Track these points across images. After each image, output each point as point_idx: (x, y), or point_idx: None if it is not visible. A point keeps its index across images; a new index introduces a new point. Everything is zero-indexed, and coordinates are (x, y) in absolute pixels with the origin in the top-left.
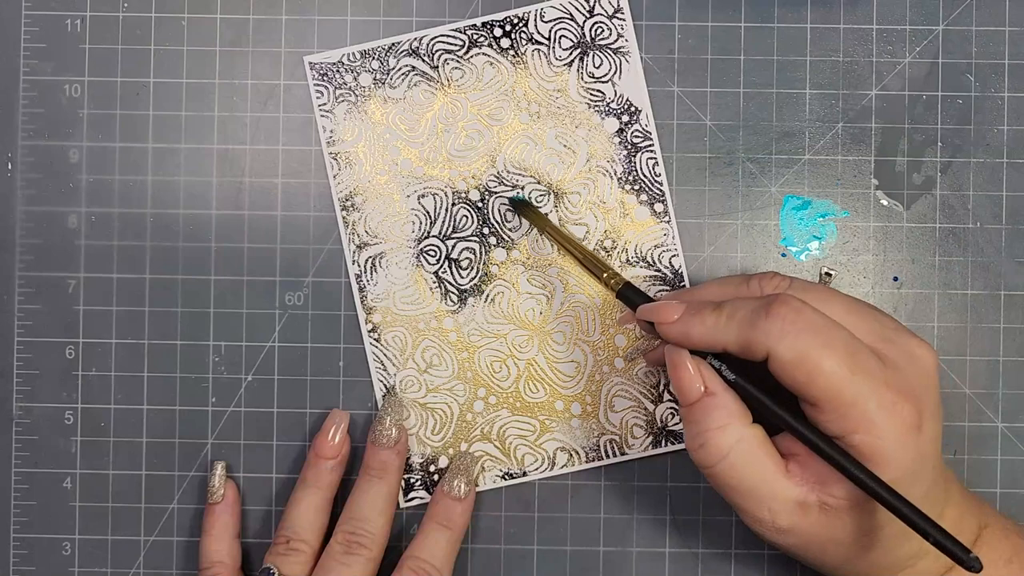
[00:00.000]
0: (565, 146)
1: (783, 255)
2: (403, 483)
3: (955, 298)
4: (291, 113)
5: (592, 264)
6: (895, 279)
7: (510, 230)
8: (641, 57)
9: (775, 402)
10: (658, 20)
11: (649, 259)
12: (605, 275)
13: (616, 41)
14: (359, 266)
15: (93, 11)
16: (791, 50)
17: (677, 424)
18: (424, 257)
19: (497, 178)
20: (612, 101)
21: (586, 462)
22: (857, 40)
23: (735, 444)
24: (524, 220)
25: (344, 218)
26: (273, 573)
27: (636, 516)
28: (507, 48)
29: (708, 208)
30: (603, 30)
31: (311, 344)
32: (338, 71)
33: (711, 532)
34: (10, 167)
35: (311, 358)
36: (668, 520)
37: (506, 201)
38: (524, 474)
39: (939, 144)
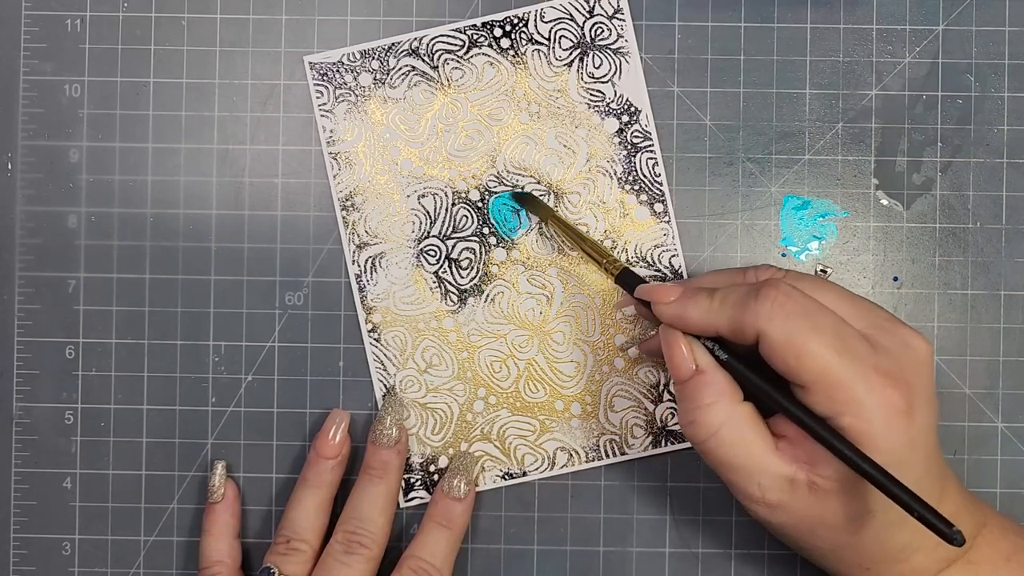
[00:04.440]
0: (565, 146)
1: (783, 255)
2: (403, 483)
3: (955, 298)
4: (291, 113)
5: (593, 251)
6: (895, 279)
7: (509, 230)
8: (641, 57)
9: (765, 381)
10: (658, 20)
11: (649, 259)
12: (604, 261)
13: (616, 41)
14: (359, 266)
15: (93, 11)
16: (791, 50)
17: (677, 424)
18: (424, 257)
19: (497, 178)
20: (612, 101)
21: (586, 462)
22: (857, 40)
23: (725, 420)
24: (529, 213)
25: (344, 218)
26: (274, 573)
27: (636, 516)
28: (507, 48)
29: (708, 208)
30: (603, 30)
31: (311, 344)
32: (338, 71)
33: (711, 532)
34: (10, 167)
35: (311, 358)
36: (668, 520)
37: (507, 200)
38: (524, 474)
39: (939, 144)
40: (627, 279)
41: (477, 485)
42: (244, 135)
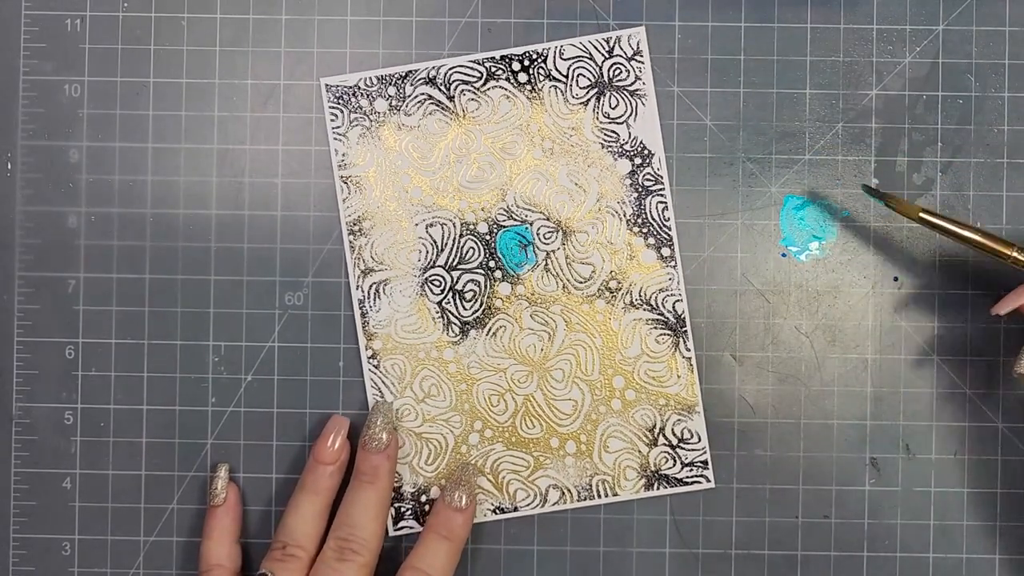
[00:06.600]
0: (576, 184)
1: (783, 255)
2: (393, 512)
3: (955, 298)
4: (291, 113)
5: (990, 242)
6: (895, 279)
7: (515, 265)
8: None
9: None
10: (658, 20)
11: (652, 302)
12: (1013, 251)
13: (634, 83)
14: (363, 291)
15: (93, 11)
16: (791, 50)
17: (670, 468)
18: (428, 286)
19: (506, 212)
20: (626, 143)
21: (577, 501)
22: (857, 40)
23: None
24: (889, 208)
25: (351, 243)
26: None
27: (636, 516)
28: (524, 83)
29: (708, 208)
30: (621, 71)
31: (311, 344)
32: (354, 95)
33: (711, 532)
34: (10, 167)
35: (311, 358)
36: (668, 520)
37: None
38: (515, 509)
39: (939, 144)
40: None
41: (476, 500)
42: (244, 135)
